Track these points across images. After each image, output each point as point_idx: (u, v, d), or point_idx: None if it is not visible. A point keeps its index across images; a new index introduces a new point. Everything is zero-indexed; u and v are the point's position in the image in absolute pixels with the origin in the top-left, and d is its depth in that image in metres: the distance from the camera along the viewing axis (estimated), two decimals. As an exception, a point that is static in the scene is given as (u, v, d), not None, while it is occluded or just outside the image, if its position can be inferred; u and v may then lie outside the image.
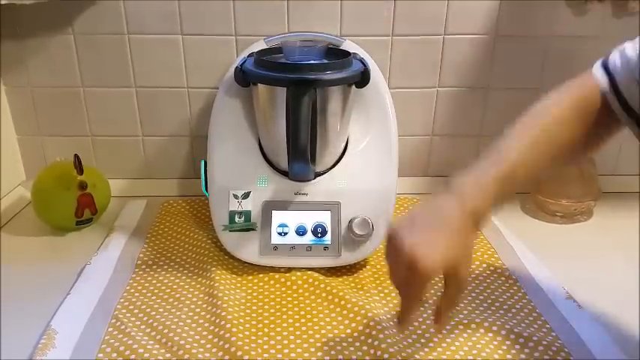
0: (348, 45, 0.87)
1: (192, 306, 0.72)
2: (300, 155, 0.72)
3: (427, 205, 0.57)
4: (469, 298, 0.74)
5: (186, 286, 0.77)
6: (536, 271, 0.80)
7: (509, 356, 0.63)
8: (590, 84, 0.61)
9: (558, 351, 0.63)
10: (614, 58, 0.60)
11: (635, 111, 0.58)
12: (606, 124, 0.61)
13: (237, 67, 0.78)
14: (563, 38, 0.98)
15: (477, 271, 0.81)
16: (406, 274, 0.51)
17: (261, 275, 0.79)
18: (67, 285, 0.75)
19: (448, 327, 0.68)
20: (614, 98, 0.59)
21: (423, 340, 0.66)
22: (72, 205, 0.88)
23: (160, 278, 0.79)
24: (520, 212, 1.00)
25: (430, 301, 0.73)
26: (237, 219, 0.81)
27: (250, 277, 0.79)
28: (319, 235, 0.80)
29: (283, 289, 0.77)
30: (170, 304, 0.73)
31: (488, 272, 0.81)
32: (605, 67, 0.60)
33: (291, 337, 0.67)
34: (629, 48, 0.58)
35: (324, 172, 0.83)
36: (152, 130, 1.03)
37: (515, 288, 0.77)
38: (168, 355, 0.63)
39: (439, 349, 0.65)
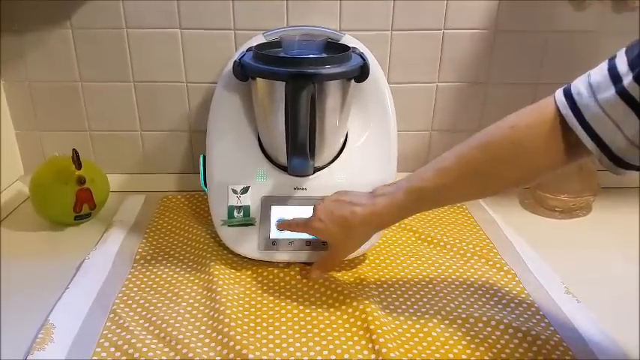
0: (348, 39, 0.86)
1: (191, 301, 0.72)
2: (299, 150, 0.72)
3: (352, 196, 0.72)
4: (468, 292, 0.75)
5: (185, 281, 0.77)
6: (535, 266, 0.80)
7: (507, 350, 0.63)
8: (545, 112, 0.58)
9: (556, 345, 0.63)
10: (578, 86, 0.56)
11: (604, 141, 0.54)
12: (559, 154, 0.58)
13: (235, 61, 0.77)
14: (562, 33, 0.98)
15: (476, 266, 0.81)
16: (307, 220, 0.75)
17: (260, 270, 0.79)
18: (66, 280, 0.75)
19: (447, 321, 0.68)
20: (579, 127, 0.55)
21: (421, 335, 0.66)
22: (70, 200, 0.88)
23: (159, 273, 0.79)
24: (519, 207, 1.00)
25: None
26: (236, 214, 0.81)
27: (249, 272, 0.79)
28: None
29: (282, 284, 0.77)
30: (169, 299, 0.73)
31: (487, 267, 0.81)
32: (568, 95, 0.56)
33: (290, 332, 0.67)
34: (594, 74, 0.55)
35: (323, 167, 0.83)
36: (151, 125, 1.03)
37: (513, 283, 0.77)
38: (166, 350, 0.63)
39: (437, 343, 0.65)
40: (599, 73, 0.54)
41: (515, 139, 0.59)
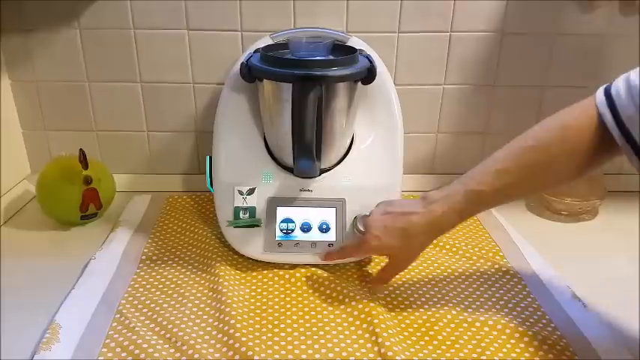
0: (354, 41, 0.86)
1: (197, 301, 0.73)
2: (306, 151, 0.72)
3: (401, 206, 0.72)
4: (474, 296, 0.74)
5: (191, 282, 0.77)
6: (541, 270, 0.80)
7: (513, 355, 0.63)
8: (590, 112, 0.58)
9: (563, 350, 0.63)
10: (618, 86, 0.56)
11: (636, 141, 0.54)
12: (602, 152, 0.59)
13: (243, 62, 0.77)
14: (569, 36, 0.97)
15: (482, 269, 0.81)
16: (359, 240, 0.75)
17: (265, 271, 0.79)
18: (72, 280, 0.75)
19: (453, 325, 0.68)
20: (615, 127, 0.56)
21: (427, 338, 0.66)
22: (77, 200, 0.88)
23: (165, 274, 0.79)
24: (525, 210, 1.00)
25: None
26: (241, 215, 0.81)
27: (254, 274, 0.79)
28: (324, 231, 0.80)
29: (287, 285, 0.76)
30: (174, 300, 0.73)
31: (492, 270, 0.80)
32: (608, 95, 0.57)
33: (295, 334, 0.67)
34: (634, 74, 0.55)
35: (330, 169, 0.83)
36: (157, 125, 1.03)
37: (519, 286, 0.76)
38: (172, 351, 0.63)
39: (443, 347, 0.65)
40: (638, 74, 0.55)
41: (566, 138, 0.60)
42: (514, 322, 0.68)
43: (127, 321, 0.68)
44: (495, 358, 0.62)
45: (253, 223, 0.81)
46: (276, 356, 0.63)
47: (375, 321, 0.67)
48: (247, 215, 0.81)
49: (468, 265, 0.82)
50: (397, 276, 0.79)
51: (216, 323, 0.68)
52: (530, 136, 0.63)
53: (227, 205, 0.82)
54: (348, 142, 0.85)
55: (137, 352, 0.62)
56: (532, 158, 0.62)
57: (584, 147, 0.59)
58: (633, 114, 0.54)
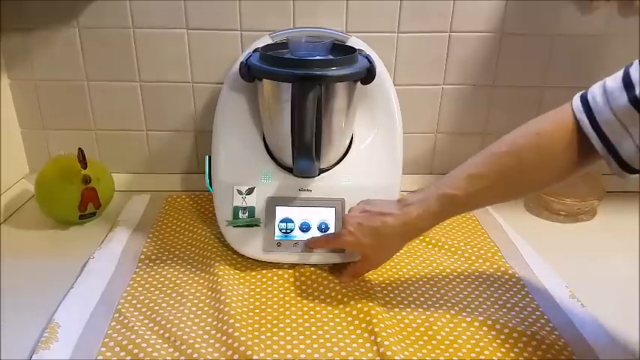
0: (354, 41, 0.86)
1: (196, 301, 0.72)
2: (305, 151, 0.72)
3: (380, 206, 0.73)
4: (472, 295, 0.74)
5: (190, 282, 0.77)
6: (540, 270, 0.80)
7: (512, 354, 0.63)
8: (567, 119, 0.59)
9: (561, 350, 0.63)
10: (594, 92, 0.57)
11: (614, 146, 0.55)
12: (580, 157, 0.59)
13: (242, 62, 0.77)
14: (569, 37, 0.97)
15: (481, 270, 0.81)
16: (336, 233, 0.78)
17: (264, 271, 0.79)
18: (70, 279, 0.75)
19: (451, 324, 0.68)
20: (592, 132, 0.56)
21: (425, 338, 0.66)
22: (75, 199, 0.88)
23: (164, 273, 0.79)
24: (524, 211, 1.00)
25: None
26: (241, 214, 0.81)
27: (253, 273, 0.79)
28: (323, 231, 0.80)
29: (286, 285, 0.77)
30: (173, 299, 0.73)
31: (491, 270, 0.80)
32: (584, 101, 0.58)
33: (294, 334, 0.67)
34: (610, 80, 0.56)
35: (329, 169, 0.83)
36: (156, 124, 1.03)
37: (518, 286, 0.76)
38: (171, 350, 0.63)
39: (442, 346, 0.65)
40: (614, 79, 0.55)
41: (541, 144, 0.61)
42: (512, 321, 0.68)
43: (126, 320, 0.68)
44: (494, 357, 0.63)
45: (252, 223, 0.81)
46: (275, 356, 0.63)
47: (374, 320, 0.67)
48: (246, 215, 0.81)
49: (466, 265, 0.82)
50: (396, 276, 0.79)
51: (215, 323, 0.68)
52: (505, 142, 0.64)
53: (226, 205, 0.82)
54: (348, 142, 0.85)
55: (136, 351, 0.62)
56: (505, 164, 0.63)
57: (560, 153, 0.60)
58: (610, 119, 0.55)
